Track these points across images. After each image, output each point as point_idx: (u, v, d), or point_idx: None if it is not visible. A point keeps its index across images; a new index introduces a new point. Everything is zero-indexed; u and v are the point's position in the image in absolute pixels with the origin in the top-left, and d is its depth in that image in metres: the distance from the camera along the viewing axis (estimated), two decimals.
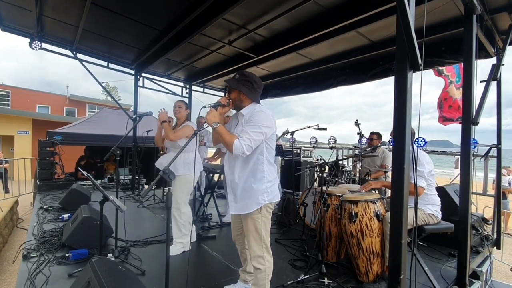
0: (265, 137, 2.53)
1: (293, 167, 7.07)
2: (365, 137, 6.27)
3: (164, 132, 4.15)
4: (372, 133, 6.08)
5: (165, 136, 4.17)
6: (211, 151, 8.68)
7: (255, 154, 2.59)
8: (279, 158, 7.93)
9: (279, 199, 2.74)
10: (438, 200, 3.66)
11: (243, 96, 2.67)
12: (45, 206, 5.89)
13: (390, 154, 5.83)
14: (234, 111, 2.83)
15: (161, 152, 7.06)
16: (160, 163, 4.25)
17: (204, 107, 2.58)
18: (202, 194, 6.11)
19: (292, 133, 6.62)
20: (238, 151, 2.42)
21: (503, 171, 9.46)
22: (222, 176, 5.71)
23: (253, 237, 2.64)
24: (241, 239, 3.01)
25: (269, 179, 2.63)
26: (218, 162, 7.11)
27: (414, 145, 2.94)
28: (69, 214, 5.17)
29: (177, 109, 4.25)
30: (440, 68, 7.41)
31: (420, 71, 2.43)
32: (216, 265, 3.86)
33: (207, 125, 2.56)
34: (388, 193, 5.16)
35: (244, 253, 3.05)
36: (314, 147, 8.84)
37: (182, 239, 4.16)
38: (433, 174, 3.62)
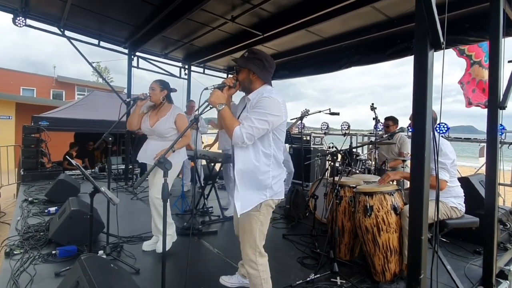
0: (271, 127, 2.41)
1: (302, 155, 7.03)
2: (381, 123, 6.22)
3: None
4: (387, 119, 5.96)
5: (143, 121, 4.06)
6: (208, 138, 8.65)
7: (259, 145, 2.48)
8: (287, 145, 7.90)
9: (283, 198, 2.66)
10: (461, 192, 3.63)
11: (253, 77, 2.58)
12: (29, 198, 5.94)
13: (408, 141, 5.78)
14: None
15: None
16: (144, 155, 4.09)
17: (207, 88, 2.49)
18: (202, 185, 6.10)
19: (301, 118, 6.59)
20: (237, 139, 2.33)
21: None
22: (222, 166, 5.70)
23: (247, 238, 2.56)
24: None
25: (274, 174, 2.52)
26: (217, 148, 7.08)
27: (436, 132, 2.91)
28: (56, 207, 5.20)
29: (150, 91, 4.03)
30: (462, 47, 7.26)
31: (442, 50, 2.39)
32: (217, 263, 3.89)
33: (208, 108, 2.52)
34: (407, 184, 5.13)
35: None
36: (325, 133, 8.81)
37: (169, 229, 4.05)
38: (455, 164, 3.56)
